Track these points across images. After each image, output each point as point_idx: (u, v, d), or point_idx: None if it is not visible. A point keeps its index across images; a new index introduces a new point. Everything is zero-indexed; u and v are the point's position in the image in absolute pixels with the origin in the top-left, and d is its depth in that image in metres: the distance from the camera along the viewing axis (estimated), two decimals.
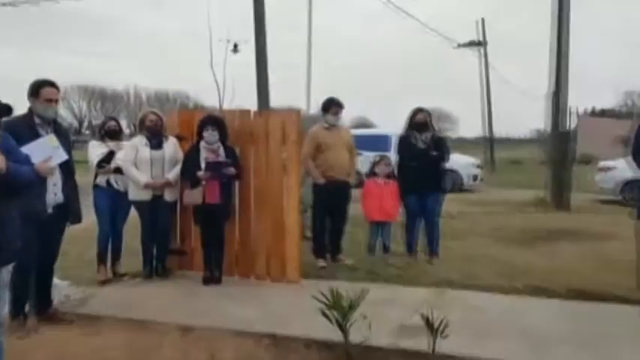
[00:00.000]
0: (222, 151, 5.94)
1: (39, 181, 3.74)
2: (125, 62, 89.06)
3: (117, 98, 65.73)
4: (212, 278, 5.95)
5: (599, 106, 53.18)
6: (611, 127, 36.88)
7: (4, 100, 3.18)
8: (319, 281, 5.84)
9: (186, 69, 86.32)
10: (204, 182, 5.82)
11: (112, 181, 6.11)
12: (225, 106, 14.22)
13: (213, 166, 5.81)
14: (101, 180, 6.13)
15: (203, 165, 5.84)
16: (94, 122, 36.01)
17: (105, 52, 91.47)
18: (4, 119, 3.16)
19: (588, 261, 7.04)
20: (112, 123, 6.43)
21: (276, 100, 15.21)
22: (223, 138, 5.96)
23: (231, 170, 5.86)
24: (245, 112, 6.37)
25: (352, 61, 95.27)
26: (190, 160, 5.92)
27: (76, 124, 61.15)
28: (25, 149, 3.59)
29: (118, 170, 6.08)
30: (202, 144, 5.93)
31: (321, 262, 6.64)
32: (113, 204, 6.14)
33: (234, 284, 5.98)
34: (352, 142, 6.92)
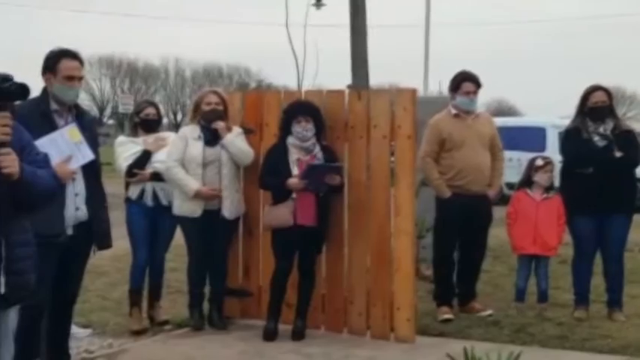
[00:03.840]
0: (319, 151, 6.06)
1: (60, 190, 3.90)
2: (162, 26, 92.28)
3: (151, 75, 68.28)
4: (276, 332, 6.03)
5: None
6: None
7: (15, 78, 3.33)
8: (443, 340, 5.79)
9: (245, 33, 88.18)
10: (294, 195, 5.94)
11: (148, 193, 6.32)
12: (305, 86, 14.35)
13: (315, 172, 5.93)
14: (134, 191, 6.36)
15: (295, 170, 5.97)
16: (122, 108, 37.43)
17: (135, 13, 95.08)
18: (18, 104, 3.33)
19: None
20: (150, 110, 6.65)
21: (375, 77, 15.20)
22: (320, 133, 6.07)
23: (337, 179, 5.95)
24: (336, 94, 6.43)
25: (484, 17, 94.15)
26: (275, 162, 6.06)
27: (95, 110, 63.86)
28: (38, 145, 3.76)
29: (157, 177, 6.30)
30: (291, 141, 6.06)
31: (446, 313, 6.59)
32: (152, 223, 6.36)
33: (319, 340, 6.02)
34: (496, 136, 6.88)
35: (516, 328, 6.27)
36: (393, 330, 6.01)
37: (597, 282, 6.86)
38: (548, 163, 6.90)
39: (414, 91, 6.17)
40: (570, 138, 6.74)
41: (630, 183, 6.74)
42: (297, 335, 6.03)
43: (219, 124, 6.19)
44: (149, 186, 6.32)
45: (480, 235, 6.83)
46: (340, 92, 6.47)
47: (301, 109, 6.09)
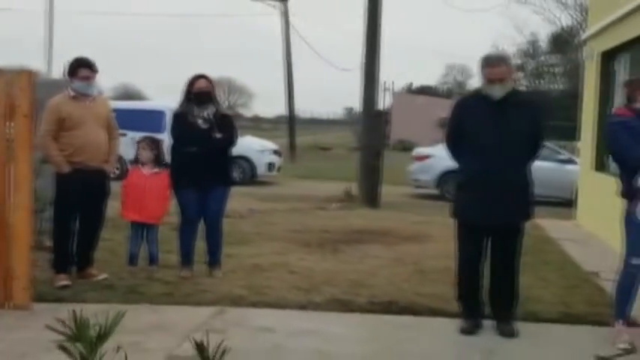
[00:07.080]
0: None
1: None
2: None
3: None
4: None
5: (418, 82, 58.40)
6: (430, 107, 40.89)
7: None
8: (60, 305, 5.70)
9: None
10: None
11: None
12: None
13: None
14: None
15: None
16: None
17: None
18: None
19: (399, 267, 7.74)
20: None
21: (5, 59, 14.35)
22: None
23: None
24: None
25: (110, 6, 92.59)
26: None
27: None
28: None
29: None
30: None
31: (63, 280, 6.45)
32: None
33: None
34: (111, 117, 6.89)
35: (128, 289, 6.37)
36: (10, 299, 5.76)
37: (201, 245, 7.19)
38: (144, 140, 7.05)
39: (31, 73, 5.95)
40: (177, 121, 6.97)
41: (227, 160, 7.17)
42: None
43: None
44: None
45: (98, 207, 6.78)
46: None
47: None
